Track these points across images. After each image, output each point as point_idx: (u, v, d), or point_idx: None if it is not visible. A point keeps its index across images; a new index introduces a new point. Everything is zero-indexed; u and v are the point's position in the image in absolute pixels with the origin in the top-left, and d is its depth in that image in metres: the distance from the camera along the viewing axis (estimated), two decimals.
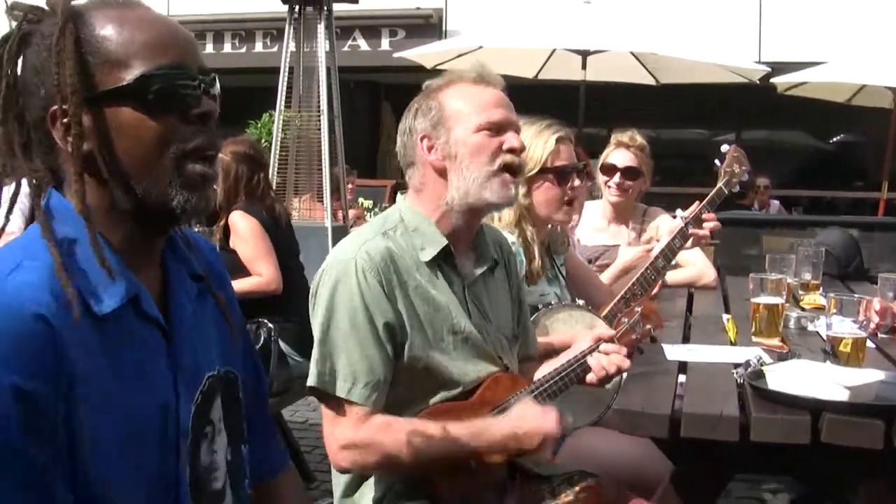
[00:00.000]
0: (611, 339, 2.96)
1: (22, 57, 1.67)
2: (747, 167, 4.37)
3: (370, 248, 2.71)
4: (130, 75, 1.64)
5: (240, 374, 1.94)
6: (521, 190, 3.63)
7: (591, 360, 2.92)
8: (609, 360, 2.90)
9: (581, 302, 3.82)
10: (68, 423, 1.54)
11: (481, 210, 2.86)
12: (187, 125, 1.68)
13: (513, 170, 2.82)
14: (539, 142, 3.72)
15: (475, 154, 2.77)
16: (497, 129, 2.80)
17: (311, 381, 2.70)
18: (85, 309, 1.58)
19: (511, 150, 2.81)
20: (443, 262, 2.82)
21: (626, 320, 3.03)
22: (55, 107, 1.63)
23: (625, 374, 3.11)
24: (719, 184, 4.33)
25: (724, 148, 4.38)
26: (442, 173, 2.81)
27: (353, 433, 2.66)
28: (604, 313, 3.83)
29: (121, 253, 1.68)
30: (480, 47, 9.93)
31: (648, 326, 3.04)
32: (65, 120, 1.63)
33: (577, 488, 2.83)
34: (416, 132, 2.83)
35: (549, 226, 3.88)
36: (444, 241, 2.80)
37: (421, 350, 2.72)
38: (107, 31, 1.65)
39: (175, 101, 1.67)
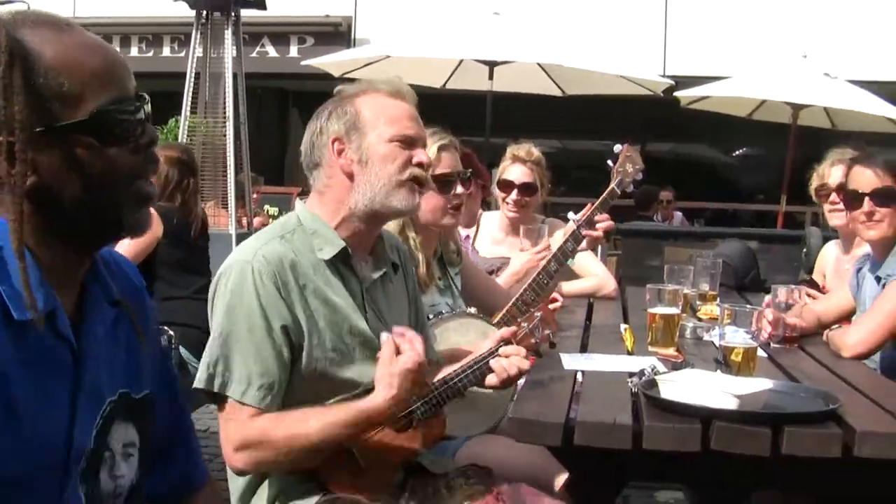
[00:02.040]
0: (510, 342, 2.99)
1: None
2: (641, 166, 4.35)
3: (266, 251, 2.73)
4: (84, 110, 1.64)
5: (154, 395, 1.92)
6: None
7: (493, 362, 2.95)
8: (509, 362, 2.93)
9: (472, 310, 3.84)
10: None
11: (385, 216, 2.92)
12: (135, 154, 1.71)
13: (420, 182, 2.88)
14: None
15: (386, 162, 2.82)
16: (409, 142, 2.85)
17: (200, 382, 2.70)
18: (4, 314, 1.58)
19: (420, 165, 2.86)
20: (341, 264, 2.84)
21: (526, 325, 3.05)
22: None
23: (520, 382, 3.15)
24: (612, 184, 4.30)
25: (617, 148, 4.37)
26: (350, 177, 2.84)
27: (245, 432, 2.66)
28: (496, 320, 3.86)
29: (44, 269, 1.67)
30: (388, 56, 9.94)
31: (548, 331, 3.07)
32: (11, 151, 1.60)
33: (472, 480, 2.85)
34: (327, 133, 2.86)
35: (441, 235, 3.92)
36: (342, 244, 2.83)
37: (319, 352, 2.75)
38: (55, 61, 1.63)
39: (126, 132, 1.69)
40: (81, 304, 1.77)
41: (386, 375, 2.68)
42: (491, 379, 2.96)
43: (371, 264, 2.97)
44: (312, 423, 2.66)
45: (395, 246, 3.15)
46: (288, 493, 2.79)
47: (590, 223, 4.25)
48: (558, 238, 4.91)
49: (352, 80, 3.00)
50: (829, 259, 5.17)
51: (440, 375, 3.00)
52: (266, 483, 2.81)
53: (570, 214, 4.34)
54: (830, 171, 5.04)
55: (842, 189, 4.76)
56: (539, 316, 3.08)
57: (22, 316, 1.59)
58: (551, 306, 3.89)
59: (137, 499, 1.89)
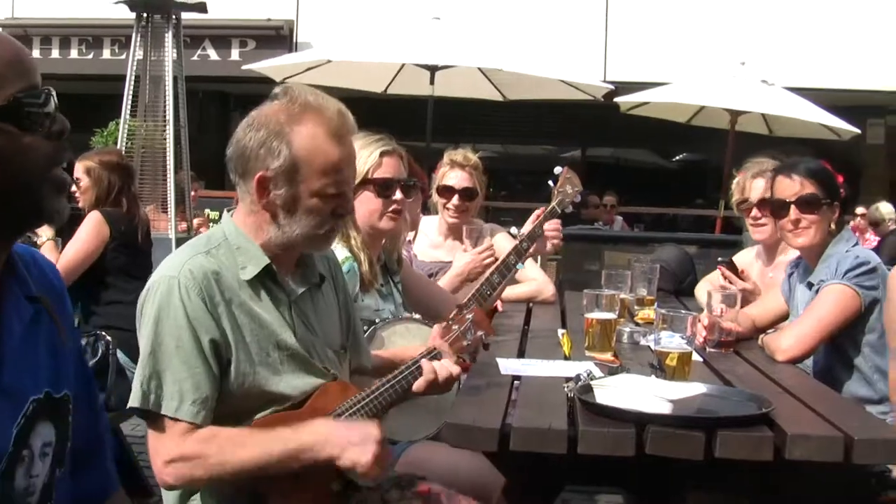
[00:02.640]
0: (442, 346, 3.00)
1: None
2: (579, 188, 4.48)
3: (192, 265, 2.71)
4: (1, 98, 1.65)
5: (71, 396, 1.90)
6: None
7: (424, 366, 2.95)
8: (440, 365, 2.95)
9: (417, 316, 3.86)
10: None
11: (300, 250, 2.91)
12: (50, 141, 1.72)
13: (338, 219, 2.86)
14: (364, 153, 3.74)
15: (310, 216, 2.78)
16: (335, 195, 2.80)
17: (135, 401, 2.66)
18: None
19: (341, 216, 2.85)
20: (267, 279, 2.82)
21: (457, 327, 3.06)
22: None
23: (456, 388, 3.16)
24: (553, 203, 4.43)
25: (558, 170, 4.49)
26: (272, 215, 2.79)
27: (178, 447, 2.64)
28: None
29: None
30: (329, 61, 9.93)
31: (480, 333, 3.09)
32: None
33: (407, 493, 2.86)
34: (255, 162, 2.75)
35: (386, 243, 3.93)
36: (267, 261, 2.81)
37: (247, 366, 2.74)
38: None
39: (40, 120, 1.70)
40: None
41: (363, 440, 2.67)
42: (419, 384, 2.95)
43: (298, 277, 2.96)
44: (248, 450, 2.65)
45: (325, 256, 3.13)
46: None
47: (531, 239, 4.33)
48: (500, 240, 4.96)
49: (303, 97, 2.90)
50: (753, 270, 5.21)
51: (375, 384, 2.99)
52: (199, 495, 2.79)
53: (513, 229, 4.42)
54: (751, 185, 5.05)
55: (763, 203, 4.84)
56: (470, 318, 3.09)
57: None
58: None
59: (49, 498, 1.87)
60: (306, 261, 2.99)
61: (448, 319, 3.11)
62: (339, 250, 3.55)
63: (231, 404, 2.73)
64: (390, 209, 3.81)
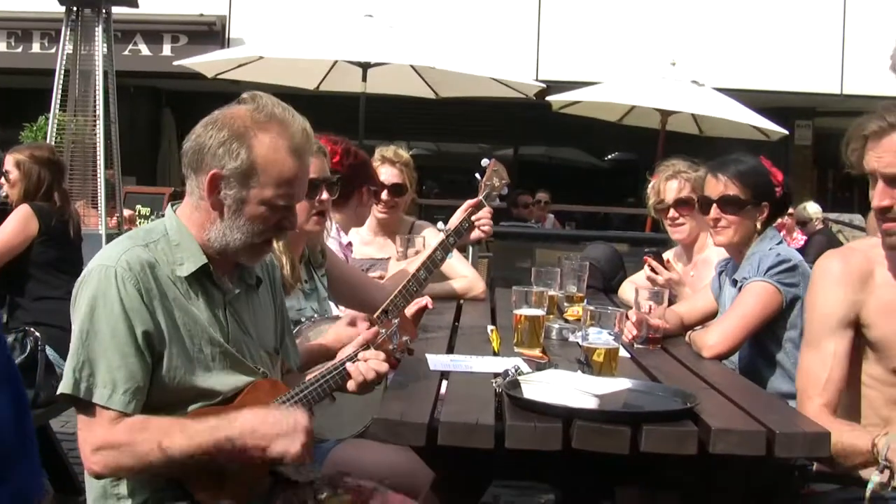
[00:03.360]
0: (368, 346, 3.02)
1: None
2: (506, 181, 4.48)
3: (130, 257, 2.71)
4: None
5: None
6: None
7: (350, 367, 2.97)
8: (367, 366, 2.96)
9: (343, 310, 3.87)
10: None
11: (231, 258, 2.89)
12: None
13: (279, 233, 2.89)
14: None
15: (253, 223, 2.79)
16: (283, 208, 2.81)
17: (66, 388, 2.65)
18: None
19: (283, 229, 2.87)
20: (203, 277, 2.83)
21: (384, 331, 3.07)
22: None
23: (383, 387, 3.17)
24: (480, 196, 4.43)
25: (485, 162, 4.49)
26: (218, 212, 2.79)
27: (107, 434, 2.64)
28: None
29: None
30: (261, 58, 9.88)
31: (405, 338, 3.12)
32: None
33: (339, 490, 2.87)
34: (211, 160, 2.75)
35: (308, 239, 3.92)
36: (204, 260, 2.81)
37: (179, 359, 2.74)
38: None
39: None
40: None
41: (292, 430, 2.70)
42: (350, 384, 2.99)
43: (235, 277, 2.96)
44: (177, 438, 2.64)
45: (260, 277, 3.11)
46: (152, 501, 2.77)
47: (458, 233, 4.31)
48: (429, 235, 4.98)
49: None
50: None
51: (303, 382, 2.99)
52: (127, 489, 2.77)
53: (440, 225, 4.42)
54: (666, 186, 5.14)
55: (679, 203, 4.94)
56: (396, 323, 3.12)
57: None
58: (415, 309, 3.91)
59: None
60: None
61: (376, 320, 3.15)
62: None
63: (161, 398, 2.72)
64: (315, 209, 3.79)
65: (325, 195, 3.80)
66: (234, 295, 2.92)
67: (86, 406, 2.67)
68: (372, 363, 2.97)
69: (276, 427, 2.69)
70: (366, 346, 3.03)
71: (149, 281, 2.70)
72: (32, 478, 2.11)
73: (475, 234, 4.42)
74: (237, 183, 2.74)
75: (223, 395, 2.81)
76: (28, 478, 2.09)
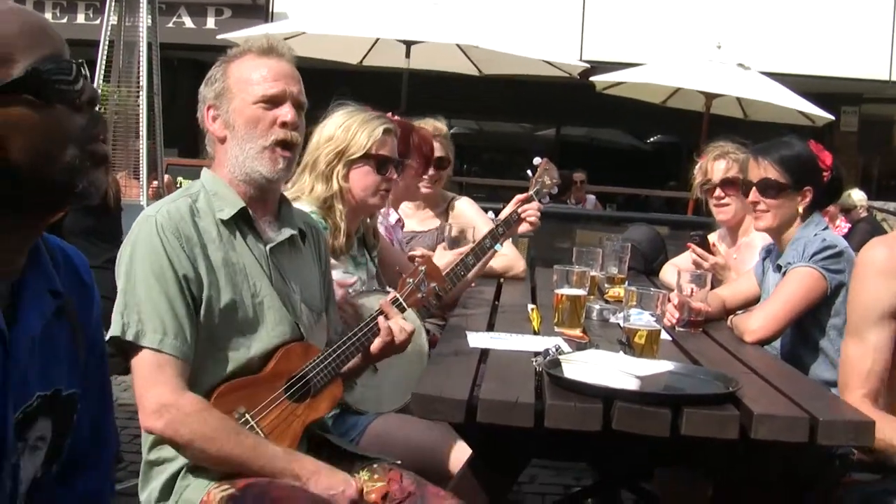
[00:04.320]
0: (395, 301, 3.07)
1: None
2: (557, 181, 4.60)
3: (171, 208, 2.77)
4: (17, 69, 1.60)
5: (78, 395, 1.85)
6: (341, 171, 3.72)
7: (382, 323, 3.02)
8: (395, 322, 3.02)
9: (389, 289, 3.86)
10: None
11: (259, 183, 2.90)
12: (78, 112, 1.66)
13: (287, 144, 2.89)
14: (367, 129, 3.77)
15: (250, 127, 2.85)
16: (274, 102, 2.87)
17: (115, 330, 2.66)
18: None
19: (284, 125, 2.87)
20: (244, 225, 2.87)
21: (411, 280, 3.12)
22: None
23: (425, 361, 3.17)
24: (530, 191, 4.52)
25: (537, 161, 4.58)
26: (223, 142, 2.89)
27: (173, 396, 2.63)
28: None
29: None
30: (304, 33, 9.86)
31: (433, 284, 3.15)
32: None
33: (375, 476, 2.86)
34: (203, 102, 2.91)
35: (365, 218, 3.94)
36: (242, 204, 2.86)
37: (219, 308, 2.76)
38: None
39: (64, 89, 1.64)
40: (18, 292, 1.71)
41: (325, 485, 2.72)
42: (376, 344, 3.03)
43: (276, 227, 2.99)
44: (239, 444, 2.68)
45: (304, 218, 3.17)
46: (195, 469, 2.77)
47: (507, 224, 4.42)
48: (463, 205, 5.06)
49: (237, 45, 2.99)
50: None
51: (334, 343, 3.02)
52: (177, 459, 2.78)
53: (490, 215, 4.49)
54: (713, 167, 5.10)
55: (725, 183, 4.90)
56: (423, 270, 3.15)
57: None
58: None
59: (37, 494, 1.83)
60: (285, 214, 3.03)
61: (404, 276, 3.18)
62: (320, 220, 3.56)
63: (198, 350, 2.73)
64: (384, 187, 3.81)
65: (393, 174, 3.83)
66: (277, 245, 2.94)
67: (139, 355, 2.67)
68: (399, 321, 3.04)
69: (327, 485, 2.71)
70: (395, 299, 3.08)
71: (189, 229, 2.75)
72: (104, 479, 2.08)
73: (523, 226, 4.49)
74: (224, 100, 2.88)
75: (259, 354, 2.83)
76: (100, 478, 2.05)
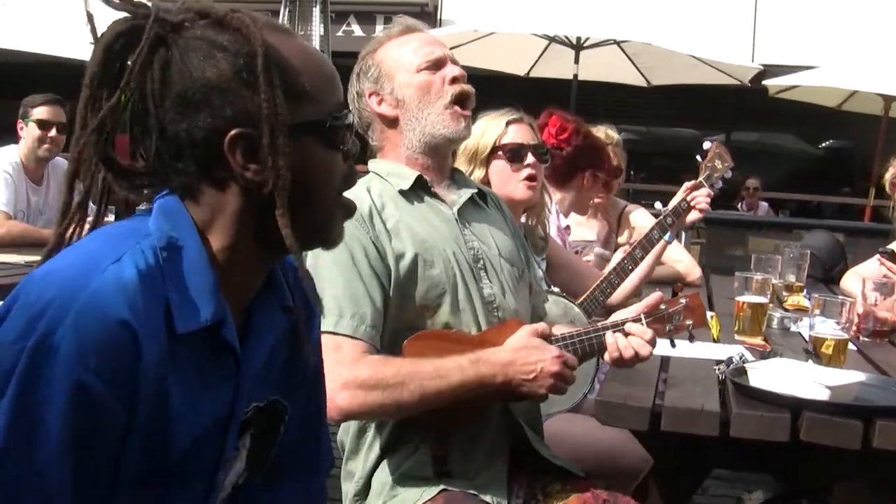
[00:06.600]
0: (637, 320, 2.80)
1: (181, 63, 1.58)
2: (730, 164, 4.28)
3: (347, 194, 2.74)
4: (319, 110, 1.64)
5: (290, 407, 1.86)
6: (480, 174, 3.76)
7: (609, 337, 2.77)
8: (628, 342, 2.74)
9: (556, 289, 3.85)
10: (124, 436, 1.50)
11: (440, 146, 2.89)
12: (345, 161, 1.71)
13: (462, 100, 2.87)
14: (491, 125, 3.82)
15: (423, 93, 2.84)
16: (436, 64, 2.87)
17: None
18: (167, 323, 1.53)
19: (454, 80, 2.86)
20: (424, 194, 2.86)
21: (665, 307, 2.83)
22: (237, 130, 1.57)
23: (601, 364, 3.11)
24: (700, 177, 4.25)
25: (707, 144, 4.31)
26: (394, 123, 2.88)
27: (351, 371, 2.55)
28: (579, 301, 3.84)
29: (222, 273, 1.62)
30: (475, 40, 9.93)
31: (689, 322, 2.88)
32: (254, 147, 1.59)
33: (567, 487, 2.79)
34: (363, 94, 2.90)
35: (528, 218, 3.94)
36: (416, 173, 2.85)
37: (410, 283, 2.72)
38: (294, 60, 1.62)
39: (343, 137, 1.68)
40: (252, 309, 1.74)
41: (533, 356, 2.62)
42: (606, 356, 2.80)
43: (455, 190, 2.95)
44: (429, 374, 2.56)
45: (479, 188, 3.09)
46: (405, 478, 2.73)
47: (676, 214, 4.17)
48: (638, 217, 4.96)
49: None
50: None
51: (559, 332, 2.85)
52: (372, 433, 2.77)
53: (658, 205, 4.34)
54: None
55: None
56: (684, 303, 2.87)
57: (186, 328, 1.54)
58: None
59: (241, 498, 1.86)
60: (459, 178, 3.03)
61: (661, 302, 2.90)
62: None
63: (394, 323, 2.71)
64: (524, 176, 3.80)
65: (530, 159, 3.80)
66: (462, 206, 2.91)
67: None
68: (634, 341, 2.73)
69: (523, 370, 2.60)
70: (638, 318, 2.81)
71: (366, 211, 2.72)
72: (319, 492, 2.07)
73: (693, 214, 4.22)
74: (387, 79, 2.87)
75: (464, 315, 2.77)
76: (315, 491, 2.06)
